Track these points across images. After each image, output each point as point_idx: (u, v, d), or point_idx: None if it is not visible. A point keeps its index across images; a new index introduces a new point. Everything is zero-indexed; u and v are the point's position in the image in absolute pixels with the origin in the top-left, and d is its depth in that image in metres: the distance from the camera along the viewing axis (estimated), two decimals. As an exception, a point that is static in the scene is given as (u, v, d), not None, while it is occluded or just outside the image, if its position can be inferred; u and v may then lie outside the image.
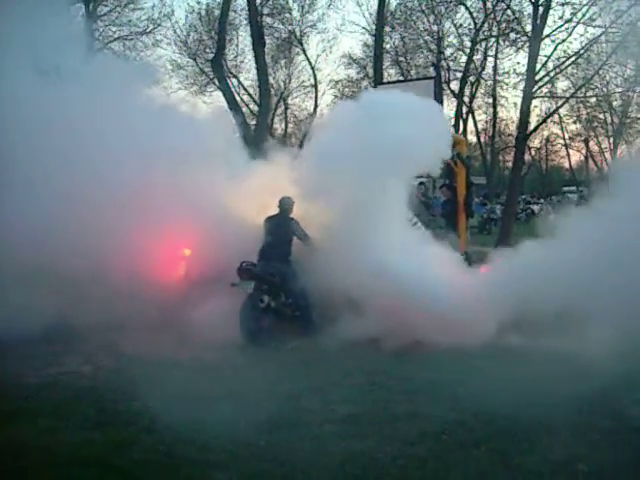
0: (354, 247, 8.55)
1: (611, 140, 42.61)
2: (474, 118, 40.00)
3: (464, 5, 28.21)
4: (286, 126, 43.14)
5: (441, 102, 15.37)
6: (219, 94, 27.04)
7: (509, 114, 41.52)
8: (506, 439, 5.49)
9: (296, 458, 5.17)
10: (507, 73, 29.88)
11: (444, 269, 8.97)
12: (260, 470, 5.00)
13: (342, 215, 8.81)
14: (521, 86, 22.73)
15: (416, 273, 8.40)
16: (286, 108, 41.54)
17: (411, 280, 8.25)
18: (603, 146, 44.48)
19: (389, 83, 21.49)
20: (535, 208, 36.82)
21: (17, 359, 7.75)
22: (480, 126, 43.36)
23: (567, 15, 20.02)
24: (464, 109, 35.24)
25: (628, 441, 5.48)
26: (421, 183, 15.52)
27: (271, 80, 29.83)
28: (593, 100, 29.04)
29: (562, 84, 30.01)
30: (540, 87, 21.01)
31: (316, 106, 37.35)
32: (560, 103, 26.05)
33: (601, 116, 38.74)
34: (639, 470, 5.10)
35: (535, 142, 44.49)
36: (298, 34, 34.67)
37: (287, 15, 32.54)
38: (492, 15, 26.56)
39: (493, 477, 4.93)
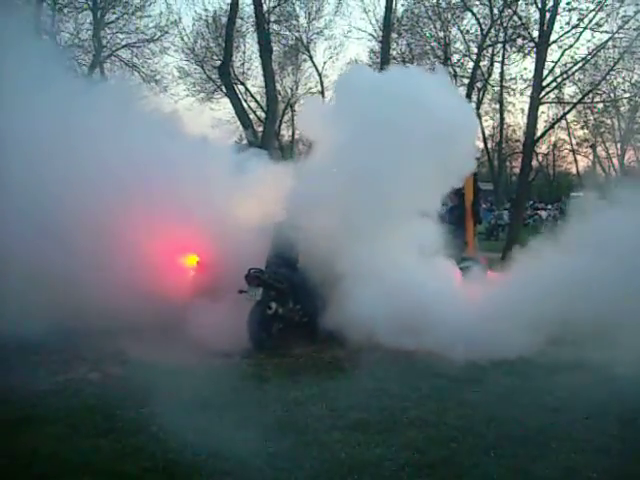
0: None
1: (619, 145, 42.47)
2: (481, 124, 39.91)
3: (471, 11, 28.20)
4: (293, 133, 43.18)
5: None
6: (226, 101, 27.06)
7: (516, 120, 41.27)
8: (516, 445, 5.47)
9: (304, 465, 5.16)
10: (514, 79, 29.90)
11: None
12: (268, 477, 4.99)
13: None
14: (528, 92, 22.74)
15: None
16: (293, 115, 41.58)
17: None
18: (611, 152, 44.36)
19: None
20: (543, 214, 36.74)
21: (25, 366, 7.75)
22: (487, 132, 43.26)
23: (574, 21, 20.08)
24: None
25: (638, 448, 5.44)
26: None
27: (278, 87, 29.88)
28: (600, 106, 28.93)
29: (569, 90, 29.95)
30: (547, 93, 21.00)
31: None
32: (567, 109, 26.02)
33: (608, 121, 38.60)
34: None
35: (542, 148, 44.29)
36: (305, 41, 34.76)
37: (294, 22, 32.63)
38: (499, 21, 26.55)
39: (502, 484, 4.90)
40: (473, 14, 28.50)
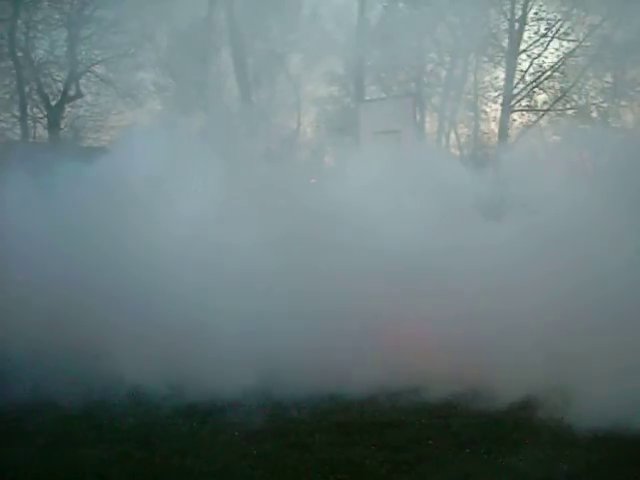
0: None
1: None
2: (456, 132, 40.18)
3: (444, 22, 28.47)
4: (269, 145, 43.09)
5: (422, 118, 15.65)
6: (203, 115, 27.16)
7: (490, 127, 41.50)
8: (490, 441, 5.67)
9: (287, 466, 5.33)
10: (484, 88, 30.23)
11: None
12: (253, 479, 5.14)
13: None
14: (500, 100, 23.11)
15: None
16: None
17: None
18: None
19: (370, 100, 21.74)
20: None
21: (8, 380, 7.78)
22: (462, 140, 43.52)
23: (542, 30, 20.47)
24: (446, 124, 35.40)
25: (606, 441, 5.63)
26: None
27: (254, 99, 30.02)
28: (572, 112, 29.37)
29: (541, 97, 30.39)
30: (518, 100, 21.36)
31: (299, 124, 37.51)
32: (539, 116, 26.39)
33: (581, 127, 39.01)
34: (617, 469, 5.26)
35: (516, 154, 44.44)
36: (279, 53, 34.88)
37: (268, 35, 32.76)
38: (470, 31, 26.86)
39: (478, 478, 5.09)
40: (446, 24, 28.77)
